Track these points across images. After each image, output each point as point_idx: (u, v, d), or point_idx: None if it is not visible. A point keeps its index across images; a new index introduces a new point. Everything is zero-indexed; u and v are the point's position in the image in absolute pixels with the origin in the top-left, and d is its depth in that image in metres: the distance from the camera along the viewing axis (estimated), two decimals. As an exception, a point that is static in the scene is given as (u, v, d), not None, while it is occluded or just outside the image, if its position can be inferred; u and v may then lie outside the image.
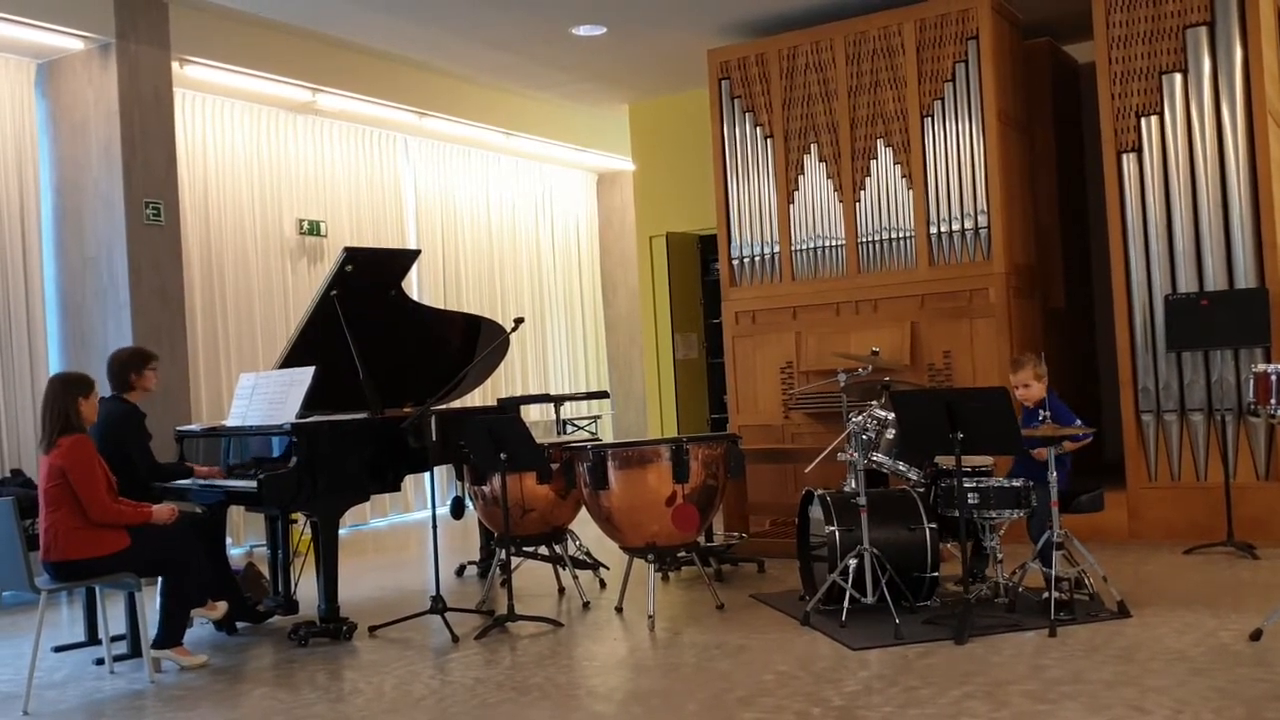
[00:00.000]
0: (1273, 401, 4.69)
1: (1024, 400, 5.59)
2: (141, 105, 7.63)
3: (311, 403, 5.69)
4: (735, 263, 8.27)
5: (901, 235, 7.65)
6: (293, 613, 6.05)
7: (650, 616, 5.56)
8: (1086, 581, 5.34)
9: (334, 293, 6.00)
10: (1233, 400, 6.84)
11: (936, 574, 5.43)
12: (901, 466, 5.59)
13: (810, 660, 4.70)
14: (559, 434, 8.41)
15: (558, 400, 8.24)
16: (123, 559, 4.95)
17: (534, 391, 11.37)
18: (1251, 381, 4.94)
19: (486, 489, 6.27)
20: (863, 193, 7.79)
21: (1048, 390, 5.62)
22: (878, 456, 5.60)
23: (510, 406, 7.63)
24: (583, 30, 8.54)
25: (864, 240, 7.78)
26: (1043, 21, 8.30)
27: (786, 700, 4.18)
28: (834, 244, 7.88)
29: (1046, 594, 5.01)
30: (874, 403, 5.85)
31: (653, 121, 10.54)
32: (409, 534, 9.51)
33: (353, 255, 6.07)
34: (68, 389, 5.03)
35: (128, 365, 5.71)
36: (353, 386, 5.91)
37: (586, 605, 6.11)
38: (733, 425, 8.22)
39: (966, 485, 5.21)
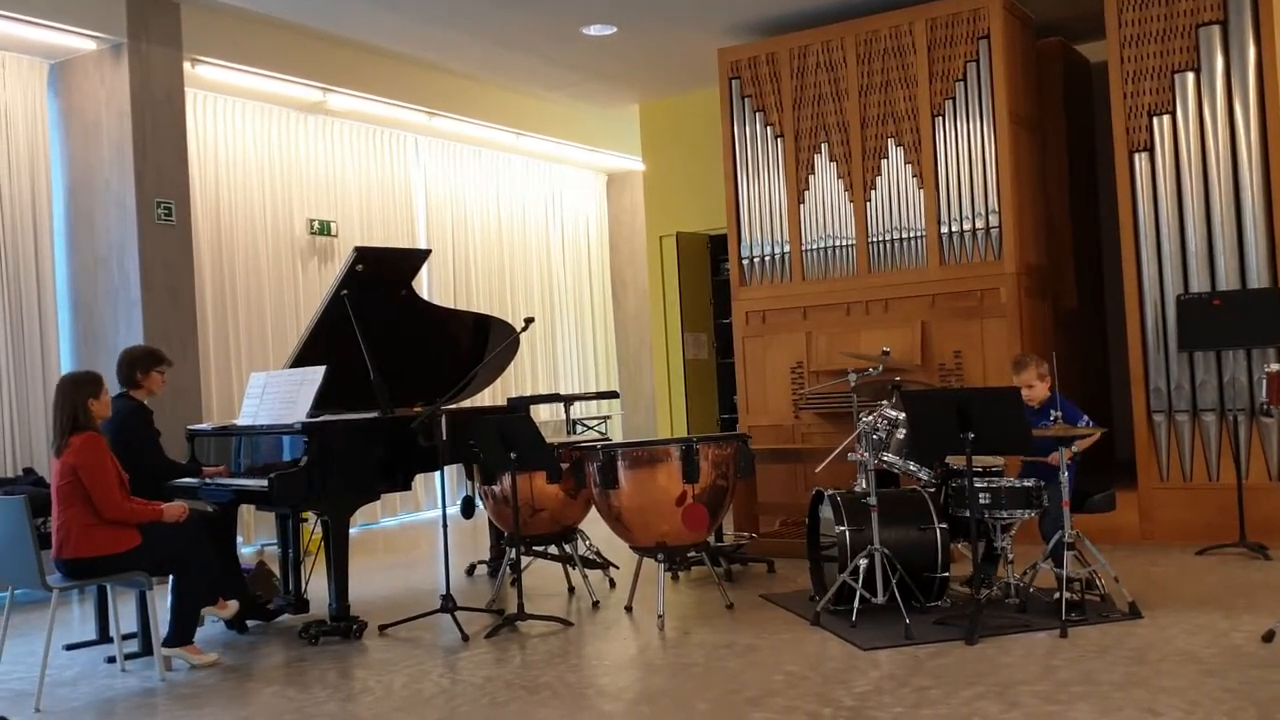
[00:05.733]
0: (1286, 402, 4.67)
1: (1028, 400, 5.56)
2: (153, 105, 7.65)
3: (322, 402, 5.70)
4: (745, 262, 8.26)
5: (912, 235, 7.63)
6: (303, 611, 6.06)
7: (660, 616, 5.56)
8: (1098, 582, 5.32)
9: (344, 292, 6.01)
10: (1245, 400, 6.81)
11: (947, 574, 5.42)
12: (912, 466, 5.57)
13: (820, 660, 4.70)
14: (569, 434, 8.42)
15: (567, 400, 8.25)
16: (134, 557, 4.96)
17: (544, 391, 11.37)
18: (1264, 382, 4.92)
19: (496, 488, 6.28)
20: (873, 192, 7.77)
21: (1053, 390, 5.60)
22: (888, 456, 5.58)
23: (520, 406, 7.63)
24: (593, 30, 8.54)
25: (874, 240, 7.76)
26: (1054, 21, 8.27)
27: (797, 700, 4.17)
28: (844, 244, 7.87)
29: (1057, 594, 4.99)
30: (884, 403, 5.83)
31: (663, 121, 10.53)
32: (419, 533, 9.52)
33: (363, 255, 6.09)
34: (77, 389, 5.04)
35: (136, 363, 5.72)
36: (363, 386, 5.92)
37: (596, 605, 6.11)
38: (742, 425, 8.21)
39: (978, 485, 5.20)
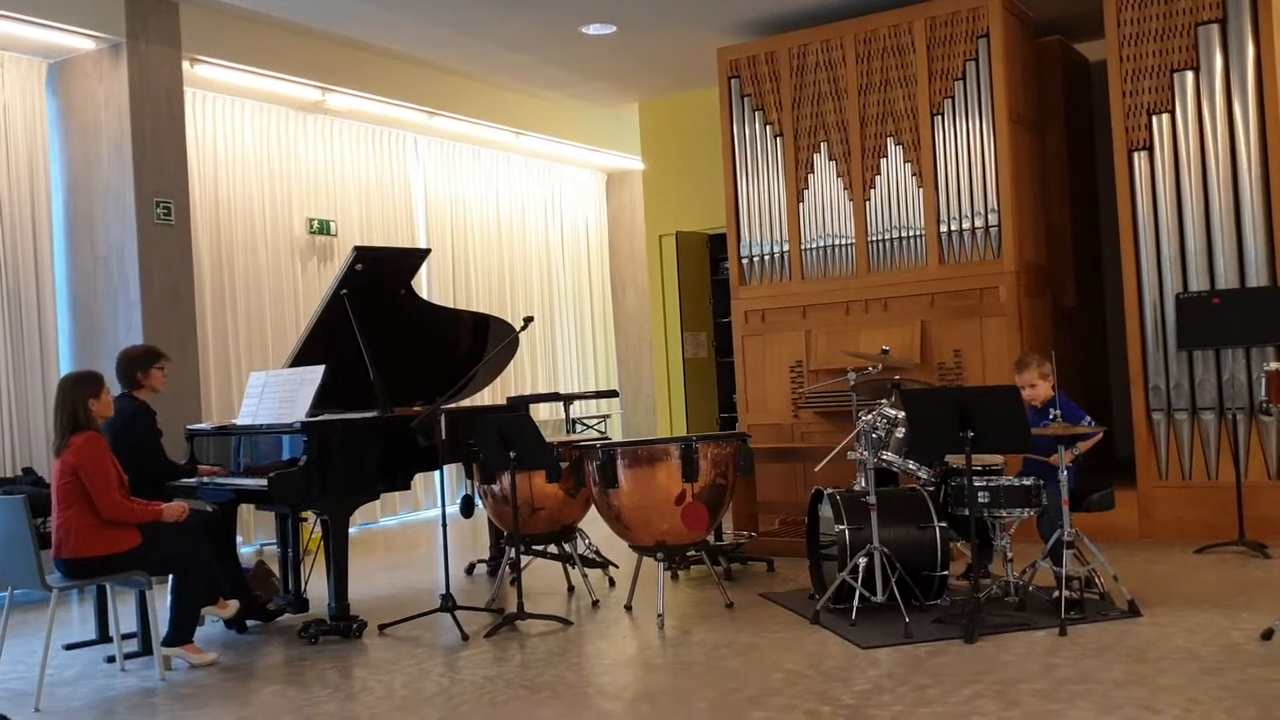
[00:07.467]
0: (1285, 400, 4.67)
1: (1030, 400, 5.56)
2: (152, 104, 7.65)
3: (321, 401, 5.70)
4: (745, 261, 8.26)
5: (912, 234, 7.63)
6: (303, 611, 6.06)
7: (660, 615, 5.56)
8: (1097, 580, 5.33)
9: (344, 292, 6.01)
10: (1244, 399, 6.81)
11: (946, 573, 5.42)
12: (911, 465, 5.58)
13: (820, 659, 4.70)
14: (568, 433, 8.42)
15: (567, 399, 8.25)
16: (134, 557, 4.96)
17: (543, 390, 11.37)
18: (1263, 380, 4.92)
19: (496, 487, 6.28)
20: (873, 191, 7.77)
21: (1055, 389, 5.60)
22: (887, 455, 5.58)
23: (520, 405, 7.63)
24: (592, 29, 8.54)
25: (874, 239, 7.76)
26: (1053, 19, 8.27)
27: (796, 699, 4.17)
28: (844, 243, 7.87)
29: (1057, 593, 5.00)
30: (884, 401, 5.84)
31: (662, 120, 10.53)
32: (419, 532, 9.52)
33: (362, 254, 6.09)
34: (77, 389, 5.04)
35: (135, 363, 5.73)
36: (362, 385, 5.93)
37: (596, 604, 6.11)
38: (742, 424, 8.21)
39: (977, 484, 5.20)
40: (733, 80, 8.28)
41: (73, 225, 7.87)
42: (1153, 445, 7.13)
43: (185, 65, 7.97)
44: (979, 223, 7.41)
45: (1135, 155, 7.16)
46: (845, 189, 7.87)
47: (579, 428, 9.12)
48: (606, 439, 7.42)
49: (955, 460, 5.43)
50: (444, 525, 5.84)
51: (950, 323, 7.49)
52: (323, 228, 9.51)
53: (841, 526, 5.39)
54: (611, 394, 9.72)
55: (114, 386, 5.65)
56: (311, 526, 6.41)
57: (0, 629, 4.97)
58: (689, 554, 6.24)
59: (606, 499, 5.71)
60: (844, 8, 8.01)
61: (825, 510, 5.67)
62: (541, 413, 10.56)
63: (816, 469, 6.04)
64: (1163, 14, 7.07)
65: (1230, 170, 6.89)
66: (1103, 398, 8.57)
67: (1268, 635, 4.59)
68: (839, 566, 5.36)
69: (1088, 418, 5.53)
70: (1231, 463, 6.82)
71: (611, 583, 6.66)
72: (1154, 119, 7.10)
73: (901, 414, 5.53)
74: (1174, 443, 7.07)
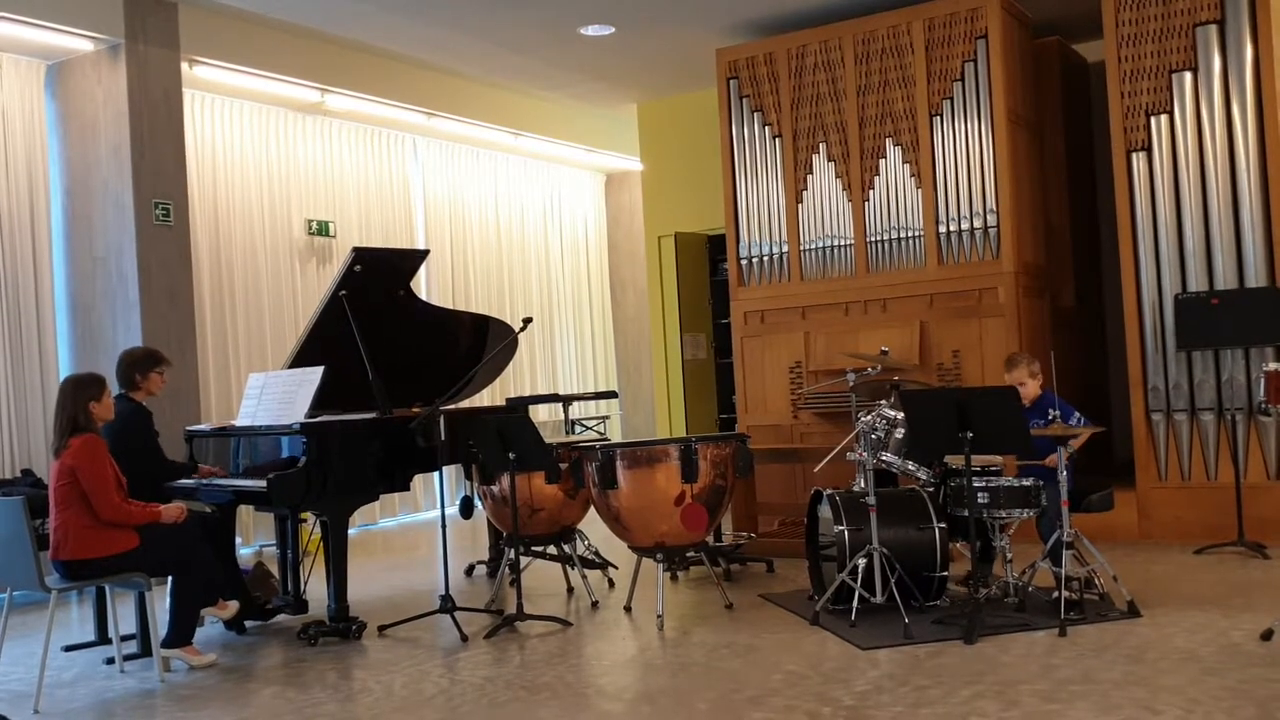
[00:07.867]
0: (1284, 400, 4.67)
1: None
2: (151, 106, 7.65)
3: (320, 402, 5.70)
4: (744, 262, 8.26)
5: (910, 235, 7.63)
6: (302, 612, 6.05)
7: (659, 616, 5.56)
8: (1096, 581, 5.33)
9: (343, 293, 6.01)
10: (1243, 399, 6.81)
11: (946, 573, 5.42)
12: (910, 466, 5.58)
13: (819, 660, 4.70)
14: (567, 434, 8.42)
15: (566, 400, 8.25)
16: (132, 558, 4.96)
17: (542, 391, 11.37)
18: (1262, 380, 4.93)
19: (495, 489, 6.28)
20: (871, 192, 7.77)
21: (1044, 389, 5.60)
22: (887, 456, 5.58)
23: (519, 406, 7.63)
24: (591, 30, 8.54)
25: (873, 240, 7.76)
26: (1052, 20, 8.28)
27: (796, 700, 4.17)
28: (843, 243, 7.87)
29: (1056, 593, 5.00)
30: (883, 402, 5.84)
31: (661, 121, 10.54)
32: (418, 534, 9.52)
33: (361, 255, 6.09)
34: (79, 391, 5.04)
35: (135, 365, 5.72)
36: (361, 386, 5.92)
37: (595, 605, 6.11)
38: (741, 425, 8.21)
39: (976, 485, 5.20)
40: (731, 81, 8.28)
41: (71, 226, 7.86)
42: (1152, 446, 7.14)
43: (184, 66, 7.97)
44: (978, 223, 7.41)
45: (1134, 156, 7.17)
46: (844, 190, 7.88)
47: (578, 429, 9.13)
48: (606, 440, 7.43)
49: (954, 461, 5.43)
50: (443, 526, 5.84)
51: (949, 323, 7.49)
52: (322, 229, 9.51)
53: (841, 527, 5.39)
54: (611, 395, 9.73)
55: (114, 387, 5.65)
56: (311, 528, 6.41)
57: (-1, 630, 4.97)
58: (688, 555, 6.23)
59: (606, 500, 5.71)
60: (842, 9, 8.01)
61: (824, 511, 5.67)
62: (541, 414, 10.56)
63: (816, 470, 6.04)
64: (1161, 15, 7.07)
65: (1229, 171, 6.89)
66: (1102, 398, 8.57)
67: (1267, 635, 4.59)
68: (838, 567, 5.36)
69: (1077, 414, 5.54)
70: (1230, 463, 6.82)
71: (611, 584, 6.66)
72: (1152, 119, 7.10)
73: (900, 415, 5.53)
74: (1173, 443, 7.07)
